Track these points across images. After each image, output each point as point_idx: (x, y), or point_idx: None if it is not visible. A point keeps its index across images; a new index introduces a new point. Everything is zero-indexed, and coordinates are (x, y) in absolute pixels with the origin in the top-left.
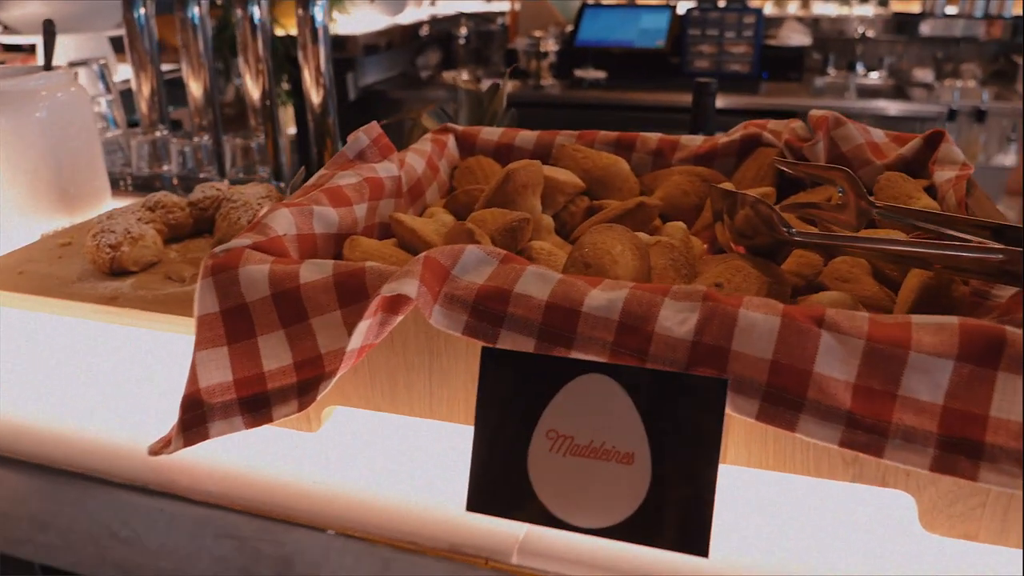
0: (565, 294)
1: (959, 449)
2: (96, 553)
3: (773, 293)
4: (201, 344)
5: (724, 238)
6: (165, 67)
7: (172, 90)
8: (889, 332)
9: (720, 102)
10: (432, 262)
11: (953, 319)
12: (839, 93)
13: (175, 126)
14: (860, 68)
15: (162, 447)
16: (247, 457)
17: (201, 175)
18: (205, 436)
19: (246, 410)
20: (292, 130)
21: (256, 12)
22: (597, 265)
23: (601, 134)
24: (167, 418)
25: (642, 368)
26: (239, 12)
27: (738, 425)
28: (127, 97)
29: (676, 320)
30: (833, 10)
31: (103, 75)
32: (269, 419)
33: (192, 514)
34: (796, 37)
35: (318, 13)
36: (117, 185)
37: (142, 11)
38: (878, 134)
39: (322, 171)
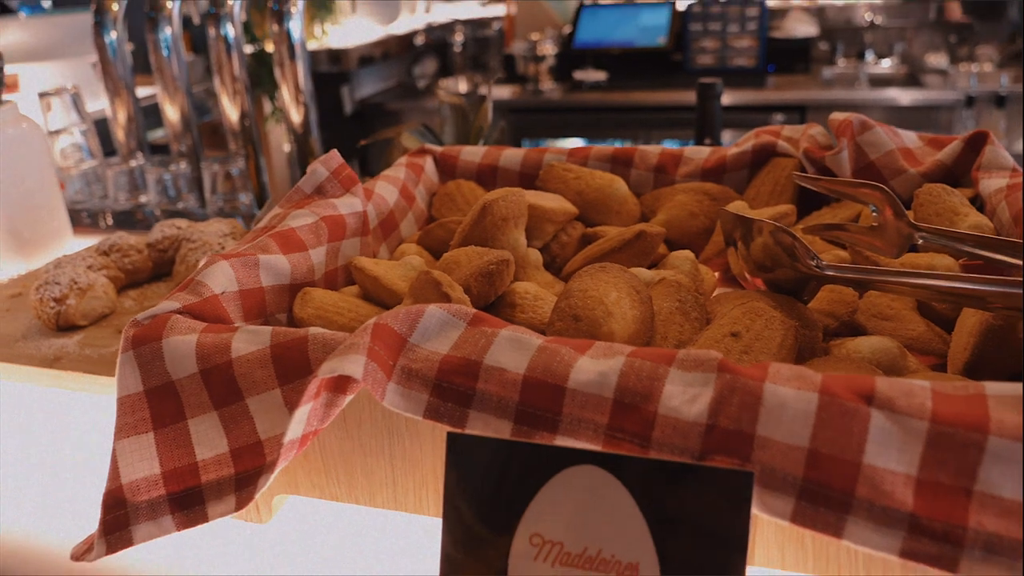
0: (546, 366)
1: None
2: None
3: (802, 340)
4: (123, 431)
5: (739, 268)
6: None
7: (157, 114)
8: (960, 410)
9: (726, 98)
10: (384, 330)
11: None
12: (849, 83)
13: (162, 150)
14: (870, 56)
15: (84, 552)
16: (189, 553)
17: (180, 205)
18: (130, 542)
19: (177, 508)
20: (287, 147)
21: (230, 31)
22: (588, 318)
23: (595, 150)
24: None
25: (645, 459)
26: (212, 32)
27: (768, 521)
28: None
29: (685, 397)
30: None
31: (76, 103)
32: (204, 519)
33: None
34: (802, 28)
35: (294, 29)
36: (95, 220)
37: (113, 35)
38: (910, 137)
39: (275, 210)
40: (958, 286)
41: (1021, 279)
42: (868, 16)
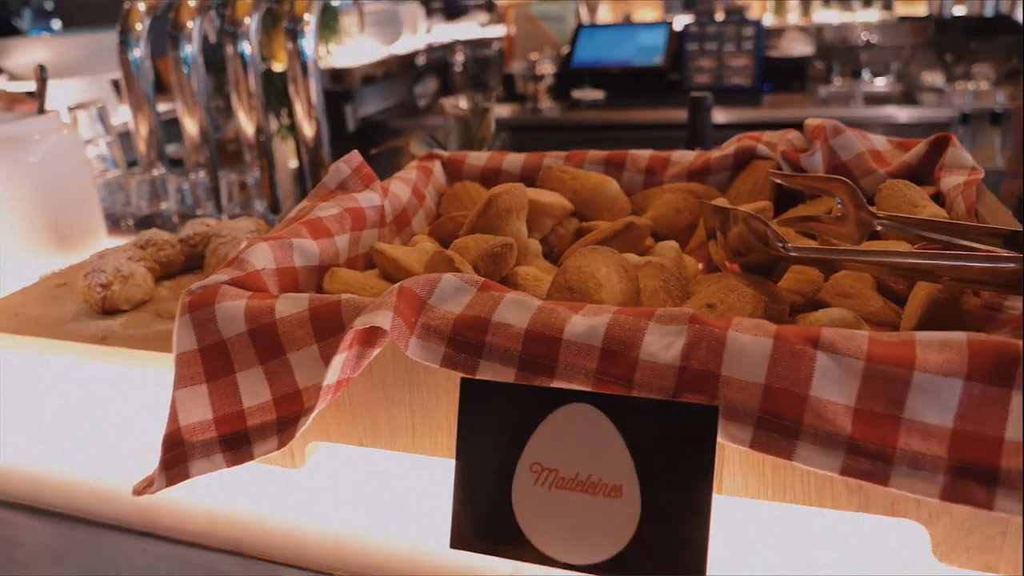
0: (545, 321)
1: (972, 475)
2: None
3: (770, 313)
4: (180, 383)
5: (718, 256)
6: (165, 107)
7: (173, 128)
8: (891, 351)
9: (722, 117)
10: (407, 292)
11: (961, 335)
12: (845, 102)
13: (176, 164)
14: (866, 75)
15: (145, 487)
16: (231, 495)
17: (199, 211)
18: (186, 475)
19: (227, 448)
20: (294, 163)
21: (246, 48)
22: (581, 290)
23: (590, 154)
24: (154, 457)
25: (628, 396)
26: (230, 49)
27: (733, 454)
28: (129, 138)
29: (661, 345)
30: (835, 17)
31: (101, 117)
32: (250, 457)
33: (176, 554)
34: (798, 47)
35: (307, 47)
36: (118, 225)
37: (137, 53)
38: (880, 141)
39: (303, 203)
40: (908, 261)
41: (966, 253)
42: (864, 35)
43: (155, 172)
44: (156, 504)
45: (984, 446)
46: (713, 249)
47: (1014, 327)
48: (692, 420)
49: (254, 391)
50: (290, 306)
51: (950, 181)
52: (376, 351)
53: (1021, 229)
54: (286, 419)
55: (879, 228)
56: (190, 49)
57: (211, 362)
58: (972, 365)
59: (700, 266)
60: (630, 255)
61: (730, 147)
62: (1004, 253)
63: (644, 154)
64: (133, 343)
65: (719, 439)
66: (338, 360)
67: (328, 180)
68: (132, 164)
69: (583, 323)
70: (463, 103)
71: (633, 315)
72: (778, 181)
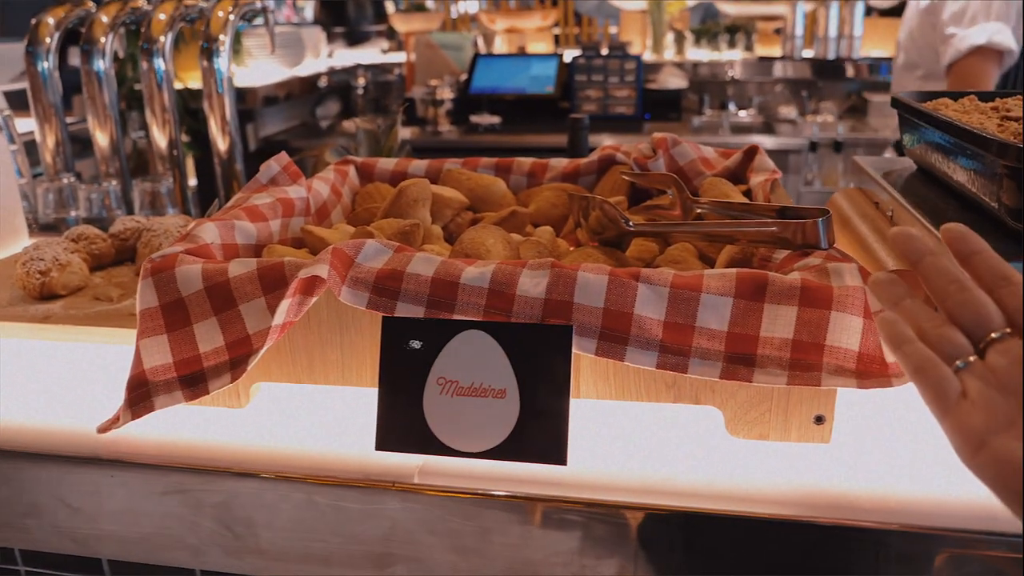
0: (447, 271)
1: (739, 361)
2: (49, 524)
3: None
4: (143, 333)
5: (583, 237)
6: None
7: (76, 144)
8: (687, 281)
9: (608, 141)
10: (339, 252)
11: (732, 270)
12: (714, 130)
13: (76, 177)
14: (732, 107)
15: (110, 424)
16: (183, 430)
17: (110, 218)
18: (151, 408)
19: (186, 385)
20: (193, 181)
21: (161, 64)
22: (474, 254)
23: (483, 160)
24: (106, 411)
25: (508, 323)
26: (144, 65)
27: (587, 366)
28: (30, 149)
29: (532, 284)
30: (706, 55)
31: (6, 125)
32: (206, 391)
33: (138, 477)
34: (674, 80)
35: (222, 64)
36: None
37: (45, 65)
38: (708, 151)
39: (239, 195)
40: (716, 230)
41: (754, 223)
42: (730, 72)
43: (64, 180)
44: (116, 440)
45: (747, 341)
46: (580, 234)
47: (774, 268)
48: (554, 337)
49: (209, 338)
50: (241, 268)
51: (756, 180)
52: (314, 299)
53: (790, 205)
54: (238, 358)
55: (700, 211)
56: (102, 64)
57: (171, 316)
58: (739, 288)
59: (571, 248)
60: (513, 234)
61: (595, 155)
62: (774, 222)
63: (527, 160)
64: (77, 321)
65: (573, 350)
66: (283, 305)
67: (260, 176)
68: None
69: (475, 271)
70: (359, 122)
71: (511, 265)
72: (629, 179)
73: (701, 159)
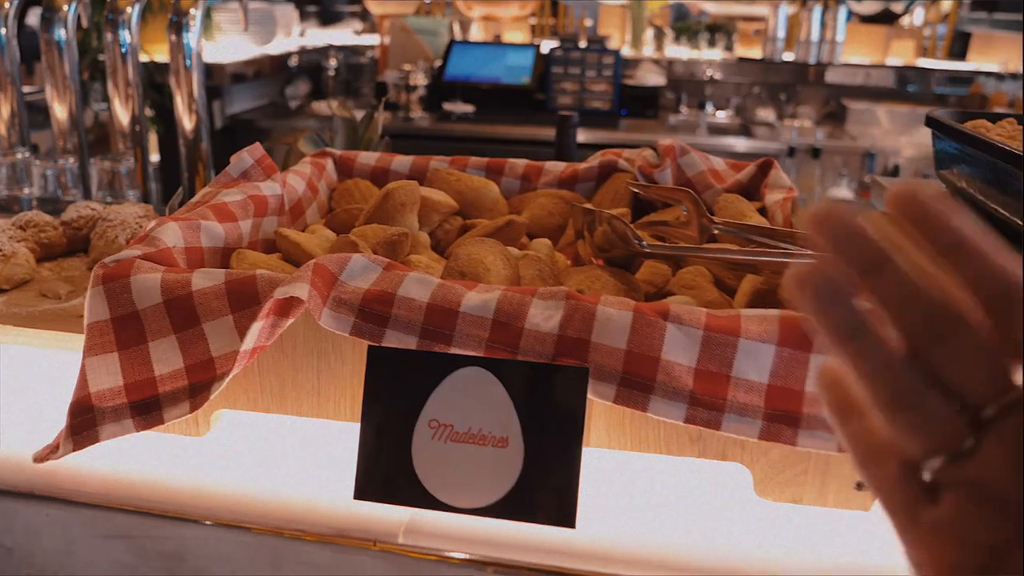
0: (444, 296)
1: (782, 420)
2: None
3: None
4: (91, 351)
5: (585, 252)
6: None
7: (29, 114)
8: (723, 323)
9: (583, 136)
10: (321, 268)
11: (775, 312)
12: (691, 130)
13: (32, 150)
14: (710, 107)
15: (49, 453)
16: (132, 461)
17: (66, 199)
18: (95, 439)
19: (137, 413)
20: (156, 157)
21: (126, 37)
22: (472, 274)
23: (473, 159)
24: (47, 431)
25: (514, 360)
26: (109, 36)
27: (599, 412)
28: None
29: (543, 317)
30: (685, 53)
31: None
32: (160, 421)
33: (78, 517)
34: (652, 77)
35: (192, 40)
36: None
37: (2, 32)
38: (718, 162)
39: (207, 189)
40: (738, 257)
41: (780, 252)
42: (709, 72)
43: (18, 155)
44: (55, 471)
45: (791, 397)
46: (581, 247)
47: None
48: (567, 380)
49: (167, 359)
50: (206, 279)
51: (772, 197)
52: (290, 321)
53: None
54: (198, 384)
55: (716, 232)
56: (63, 32)
57: (123, 331)
58: (783, 334)
59: (568, 262)
60: (511, 248)
61: (595, 160)
62: (805, 252)
63: (520, 163)
64: (19, 321)
65: (588, 395)
66: (255, 328)
67: (231, 169)
68: None
69: (477, 298)
70: (335, 107)
71: (519, 292)
72: (635, 191)
73: (711, 171)
